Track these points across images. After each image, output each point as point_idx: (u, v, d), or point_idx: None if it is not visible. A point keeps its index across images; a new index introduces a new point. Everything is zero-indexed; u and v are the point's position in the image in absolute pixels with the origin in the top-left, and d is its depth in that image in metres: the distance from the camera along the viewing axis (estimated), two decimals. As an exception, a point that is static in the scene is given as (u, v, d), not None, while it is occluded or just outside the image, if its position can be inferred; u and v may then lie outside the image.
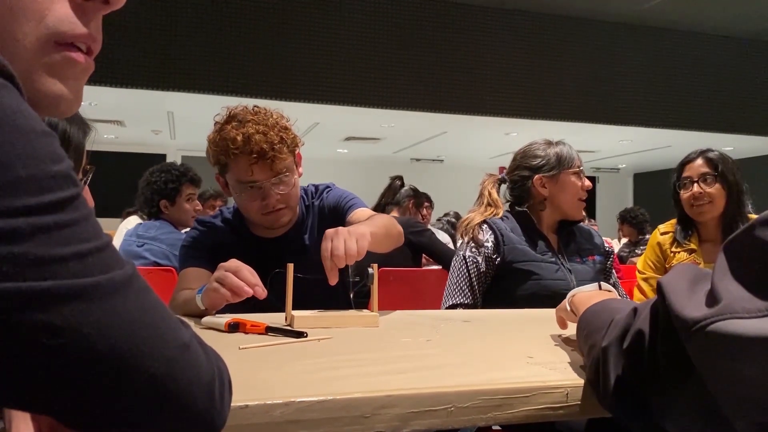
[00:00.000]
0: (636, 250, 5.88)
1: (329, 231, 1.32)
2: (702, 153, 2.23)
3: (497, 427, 1.83)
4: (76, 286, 0.44)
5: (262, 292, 1.27)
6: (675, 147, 9.68)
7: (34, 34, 0.53)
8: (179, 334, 0.52)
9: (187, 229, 3.12)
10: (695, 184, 2.18)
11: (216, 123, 1.65)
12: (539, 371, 0.84)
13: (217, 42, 6.42)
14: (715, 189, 2.16)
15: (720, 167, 2.16)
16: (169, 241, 2.96)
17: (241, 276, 1.28)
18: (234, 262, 1.31)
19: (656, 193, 12.08)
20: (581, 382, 0.78)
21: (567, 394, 0.77)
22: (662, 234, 2.33)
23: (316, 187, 1.86)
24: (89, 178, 1.00)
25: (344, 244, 1.27)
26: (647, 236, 6.02)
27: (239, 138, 1.54)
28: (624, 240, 6.46)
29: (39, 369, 0.43)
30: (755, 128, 8.09)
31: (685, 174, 2.22)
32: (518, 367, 0.88)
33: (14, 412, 0.56)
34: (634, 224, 6.13)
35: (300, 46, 6.69)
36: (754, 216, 2.20)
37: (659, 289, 0.62)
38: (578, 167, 1.99)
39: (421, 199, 4.01)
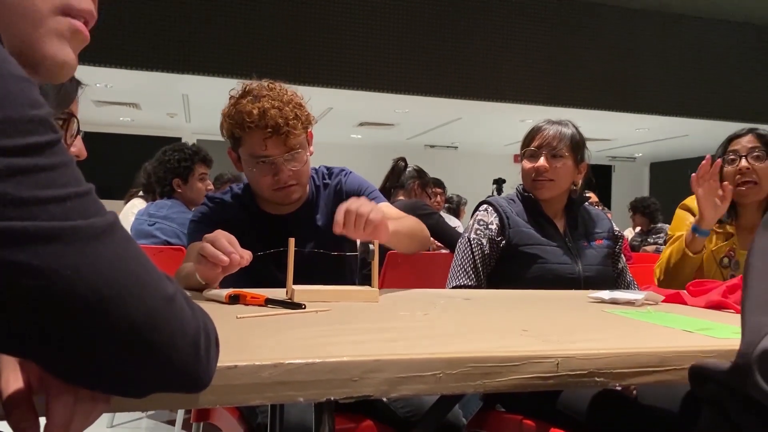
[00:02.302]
0: (648, 239, 5.85)
1: (357, 199, 1.37)
2: (752, 129, 2.06)
3: (502, 409, 1.84)
4: (56, 228, 0.44)
5: (239, 259, 1.26)
6: (692, 136, 9.56)
7: (50, 2, 0.60)
8: (163, 286, 0.53)
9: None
10: (743, 159, 2.00)
11: (231, 97, 1.67)
12: (531, 342, 0.84)
13: (233, 25, 6.43)
14: (765, 166, 1.97)
15: None
16: (180, 220, 2.98)
17: (218, 245, 1.27)
18: (214, 233, 1.31)
19: (673, 183, 11.95)
20: (573, 352, 0.78)
21: (558, 364, 0.77)
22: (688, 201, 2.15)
23: (329, 168, 1.87)
24: (80, 130, 1.03)
25: (366, 210, 1.32)
26: (659, 225, 5.98)
27: (255, 112, 1.56)
28: (637, 229, 6.42)
29: (19, 310, 0.44)
30: (775, 118, 7.95)
31: (732, 148, 2.05)
32: (511, 338, 0.88)
33: (3, 363, 0.57)
34: (646, 213, 6.10)
35: (316, 30, 6.68)
36: None
37: None
38: (528, 147, 1.97)
39: (425, 179, 3.95)
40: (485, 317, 1.13)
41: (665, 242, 5.75)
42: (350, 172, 1.85)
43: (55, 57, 0.61)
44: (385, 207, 1.76)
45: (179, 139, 9.66)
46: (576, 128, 2.01)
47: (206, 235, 1.32)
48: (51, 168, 0.45)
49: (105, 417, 3.08)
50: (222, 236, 1.29)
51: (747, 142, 2.03)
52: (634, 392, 1.72)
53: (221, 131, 1.68)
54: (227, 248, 1.26)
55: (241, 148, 1.66)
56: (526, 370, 0.76)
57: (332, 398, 0.70)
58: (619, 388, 1.69)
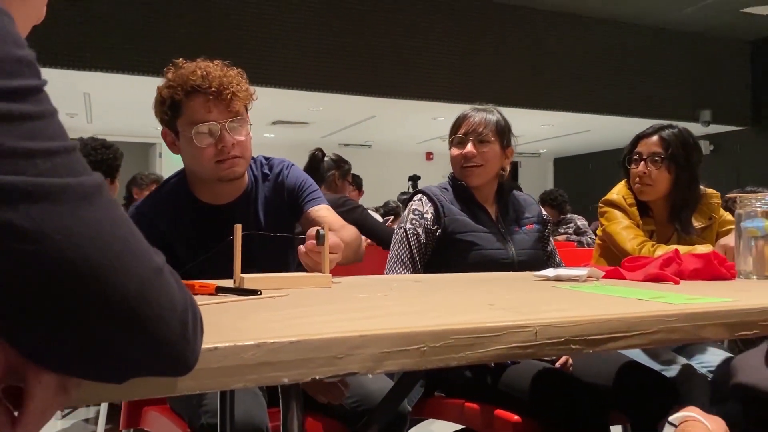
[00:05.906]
0: (558, 230, 6.08)
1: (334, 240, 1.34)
2: (659, 130, 2.13)
3: (440, 393, 1.86)
4: (46, 185, 0.39)
5: None
6: (593, 131, 10.06)
7: None
8: (152, 256, 0.48)
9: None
10: (642, 163, 2.10)
11: (167, 70, 1.59)
12: (505, 314, 0.84)
13: (139, 19, 6.16)
14: (659, 172, 2.07)
15: (671, 149, 2.08)
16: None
17: None
18: None
19: (576, 177, 12.53)
20: (548, 321, 0.79)
21: (536, 332, 0.77)
22: (615, 197, 2.18)
23: (268, 159, 1.80)
24: None
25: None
26: (568, 216, 6.24)
27: (198, 72, 1.51)
28: (547, 220, 6.66)
29: (6, 278, 0.39)
30: (669, 114, 8.47)
31: (638, 149, 2.14)
32: (483, 312, 0.88)
33: None
34: (555, 205, 6.34)
35: (225, 26, 6.52)
36: (713, 194, 2.16)
37: None
38: (455, 134, 2.00)
39: (344, 168, 3.91)
40: (447, 296, 1.13)
41: (575, 232, 5.93)
42: (292, 165, 1.79)
43: None
44: (326, 211, 1.71)
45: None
46: (501, 114, 2.06)
47: None
48: (37, 117, 0.40)
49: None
50: None
51: (651, 144, 2.12)
52: (571, 369, 1.78)
53: (154, 109, 1.59)
54: None
55: (180, 119, 1.56)
56: (507, 340, 0.75)
57: (317, 377, 0.67)
58: (557, 366, 1.75)
